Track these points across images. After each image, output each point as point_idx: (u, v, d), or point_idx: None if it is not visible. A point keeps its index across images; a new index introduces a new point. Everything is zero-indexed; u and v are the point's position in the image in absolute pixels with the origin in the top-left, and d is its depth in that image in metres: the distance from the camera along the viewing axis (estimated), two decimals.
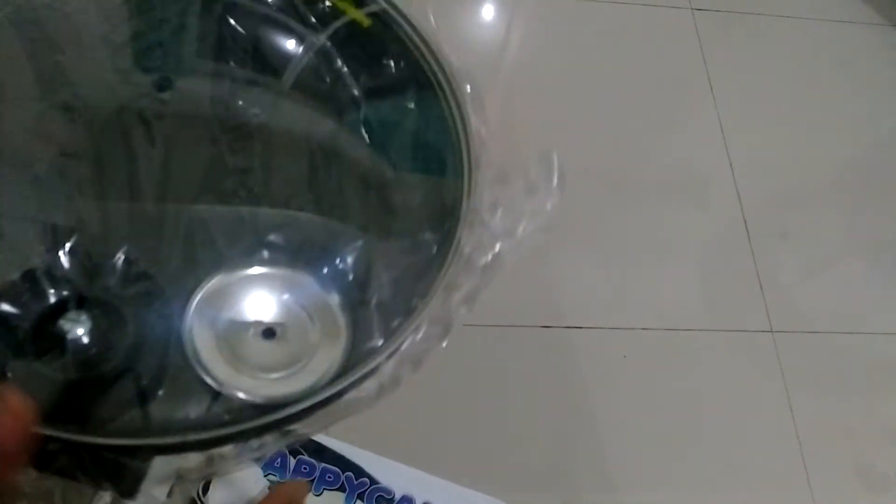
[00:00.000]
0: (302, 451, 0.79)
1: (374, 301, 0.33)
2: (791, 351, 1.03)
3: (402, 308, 0.33)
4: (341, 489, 0.78)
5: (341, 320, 0.32)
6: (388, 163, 0.37)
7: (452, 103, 0.38)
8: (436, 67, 0.38)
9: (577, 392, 0.93)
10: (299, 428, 0.31)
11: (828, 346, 1.05)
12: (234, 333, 0.31)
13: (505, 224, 0.36)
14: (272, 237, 0.33)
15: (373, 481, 0.79)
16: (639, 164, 1.13)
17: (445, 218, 0.35)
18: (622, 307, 1.01)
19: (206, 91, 0.35)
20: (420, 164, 0.38)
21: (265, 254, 0.33)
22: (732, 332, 1.03)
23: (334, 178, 0.35)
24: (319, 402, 0.30)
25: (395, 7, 0.39)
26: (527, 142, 1.10)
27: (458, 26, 1.20)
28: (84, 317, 0.28)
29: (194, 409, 0.29)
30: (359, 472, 0.79)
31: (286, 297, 0.32)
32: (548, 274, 1.01)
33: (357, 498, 0.78)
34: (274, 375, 0.31)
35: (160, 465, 0.29)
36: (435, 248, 0.35)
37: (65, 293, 0.28)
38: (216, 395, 0.29)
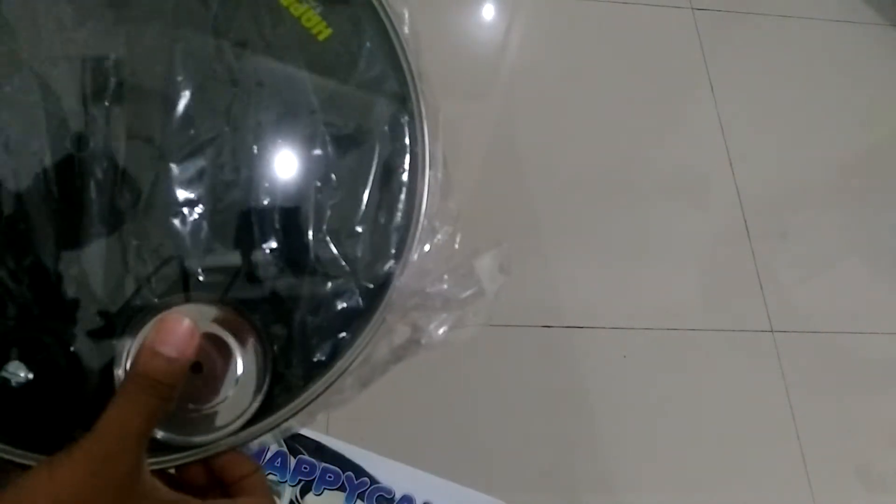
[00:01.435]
0: (302, 450, 0.79)
1: (293, 347, 0.35)
2: (791, 351, 1.03)
3: (330, 354, 0.35)
4: (341, 489, 0.78)
5: (266, 363, 0.34)
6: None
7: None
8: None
9: (577, 392, 0.93)
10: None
11: (828, 345, 1.05)
12: None
13: (430, 314, 0.38)
14: (203, 270, 0.34)
15: (373, 481, 0.79)
16: (639, 165, 1.13)
17: (384, 269, 0.37)
18: (622, 307, 1.01)
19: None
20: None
21: (194, 287, 0.34)
22: (733, 332, 1.03)
23: (278, 231, 0.36)
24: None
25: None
26: (526, 144, 1.11)
27: (457, 26, 1.20)
28: (23, 367, 0.30)
29: None
30: (359, 471, 0.79)
31: (217, 335, 0.33)
32: (548, 274, 1.01)
33: (357, 498, 0.78)
34: (195, 411, 0.33)
35: None
36: (370, 297, 0.36)
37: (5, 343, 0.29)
38: None
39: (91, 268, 0.33)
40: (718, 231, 1.10)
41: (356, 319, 0.36)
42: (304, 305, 0.35)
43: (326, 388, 0.35)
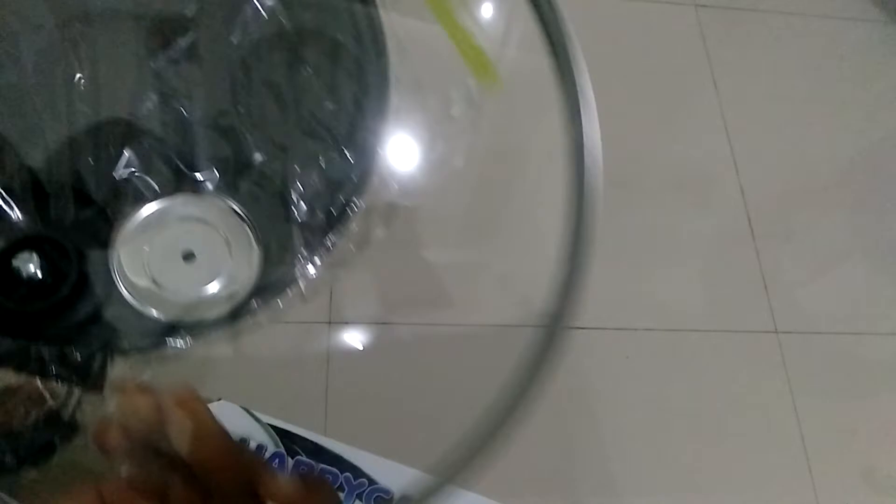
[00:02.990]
0: (300, 452, 0.78)
1: (293, 217, 0.37)
2: (795, 351, 1.02)
3: (321, 224, 0.37)
4: (340, 489, 0.78)
5: (254, 243, 0.37)
6: (307, 77, 0.40)
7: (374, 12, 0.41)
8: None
9: (579, 393, 0.93)
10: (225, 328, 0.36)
11: (833, 346, 1.04)
12: (158, 256, 0.36)
13: (422, 145, 0.39)
14: (198, 160, 0.37)
15: (371, 481, 0.79)
16: (642, 164, 1.12)
17: (364, 136, 0.38)
18: (625, 307, 1.00)
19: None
20: (340, 77, 0.40)
21: (192, 179, 0.37)
22: (736, 333, 1.02)
23: (256, 97, 0.38)
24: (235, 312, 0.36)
25: None
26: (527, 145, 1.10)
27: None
28: (34, 255, 0.33)
29: (134, 323, 0.35)
30: (357, 472, 0.79)
31: (206, 222, 0.37)
32: (548, 273, 1.00)
33: (356, 498, 0.78)
34: (193, 294, 0.36)
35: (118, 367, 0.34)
36: (353, 165, 0.38)
37: (16, 235, 0.33)
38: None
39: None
40: (722, 231, 1.10)
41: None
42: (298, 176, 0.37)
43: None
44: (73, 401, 0.40)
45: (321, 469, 0.77)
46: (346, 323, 0.89)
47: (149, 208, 0.36)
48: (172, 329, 0.36)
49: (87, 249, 0.35)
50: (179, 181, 0.37)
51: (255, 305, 0.37)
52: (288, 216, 0.37)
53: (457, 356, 0.91)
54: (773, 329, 1.03)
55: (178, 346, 0.36)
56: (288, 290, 0.37)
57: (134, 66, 0.37)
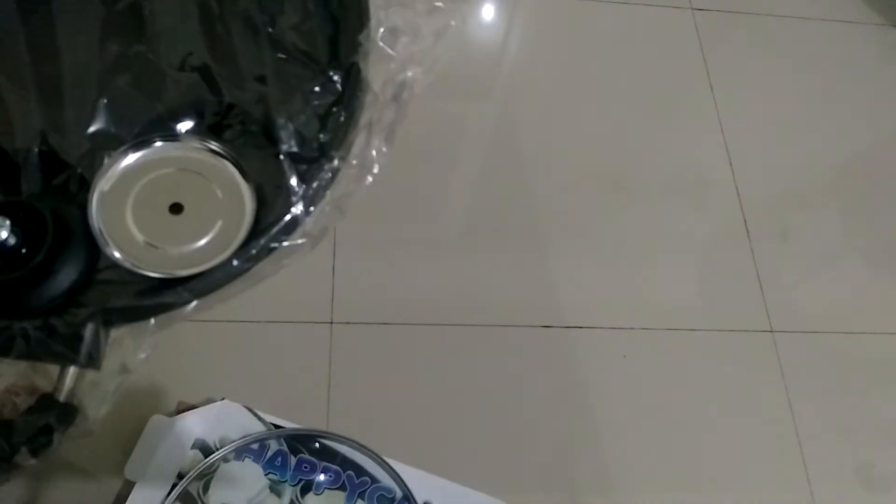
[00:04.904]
0: (303, 450, 0.79)
1: (282, 151, 0.34)
2: (791, 351, 1.03)
3: (314, 154, 0.34)
4: (342, 488, 0.78)
5: (244, 185, 0.34)
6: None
7: None
8: None
9: (576, 392, 0.93)
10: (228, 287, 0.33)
11: (828, 346, 1.05)
12: (143, 211, 0.33)
13: (410, 50, 0.35)
14: (172, 106, 0.34)
15: (373, 480, 0.79)
16: (639, 164, 1.13)
17: (347, 52, 0.35)
18: (622, 307, 1.01)
19: None
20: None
21: (169, 126, 0.34)
22: (732, 332, 1.03)
23: (225, 28, 0.35)
24: (240, 260, 0.32)
25: None
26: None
27: (457, 26, 1.20)
28: (6, 221, 0.30)
29: (124, 287, 0.32)
30: (360, 470, 0.79)
31: (189, 169, 0.33)
32: (548, 273, 1.01)
33: (358, 497, 0.78)
34: (186, 248, 0.33)
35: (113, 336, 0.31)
36: (340, 86, 0.35)
37: None
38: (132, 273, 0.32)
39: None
40: (718, 231, 1.10)
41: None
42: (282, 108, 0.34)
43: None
44: (68, 380, 0.36)
45: (323, 467, 0.78)
46: (349, 323, 0.90)
47: (127, 160, 0.33)
48: (169, 286, 0.33)
49: (64, 213, 0.32)
50: (155, 129, 0.33)
51: (255, 252, 0.33)
52: (276, 151, 0.34)
53: (458, 356, 0.92)
54: (769, 328, 1.04)
55: (181, 300, 0.33)
56: (288, 234, 0.34)
57: (94, 14, 0.34)
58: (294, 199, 0.34)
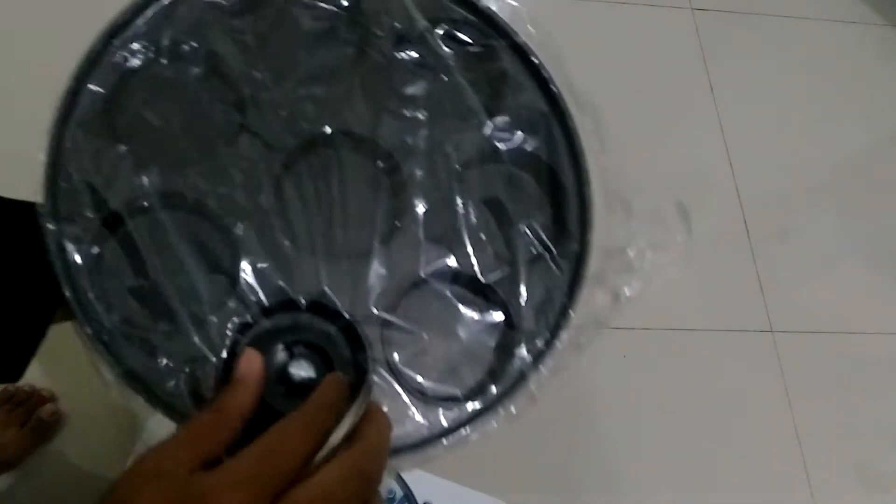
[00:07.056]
0: None
1: (519, 325, 0.40)
2: (791, 351, 1.03)
3: (543, 332, 0.41)
4: None
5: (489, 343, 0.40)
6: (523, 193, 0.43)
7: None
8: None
9: (576, 391, 0.93)
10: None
11: (828, 345, 1.05)
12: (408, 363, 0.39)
13: (637, 260, 0.41)
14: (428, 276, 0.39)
15: None
16: (638, 164, 1.13)
17: (570, 241, 0.42)
18: (622, 307, 1.01)
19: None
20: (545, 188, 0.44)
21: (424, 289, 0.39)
22: (732, 332, 1.03)
23: (475, 216, 0.40)
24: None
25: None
26: None
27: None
28: (306, 362, 0.34)
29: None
30: None
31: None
32: None
33: None
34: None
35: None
36: (567, 275, 0.42)
37: (290, 345, 0.34)
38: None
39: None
40: (718, 231, 1.11)
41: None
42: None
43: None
44: None
45: None
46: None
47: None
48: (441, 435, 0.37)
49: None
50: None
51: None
52: (511, 324, 0.39)
53: None
54: (769, 328, 1.04)
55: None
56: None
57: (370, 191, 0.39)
58: (523, 367, 0.42)
